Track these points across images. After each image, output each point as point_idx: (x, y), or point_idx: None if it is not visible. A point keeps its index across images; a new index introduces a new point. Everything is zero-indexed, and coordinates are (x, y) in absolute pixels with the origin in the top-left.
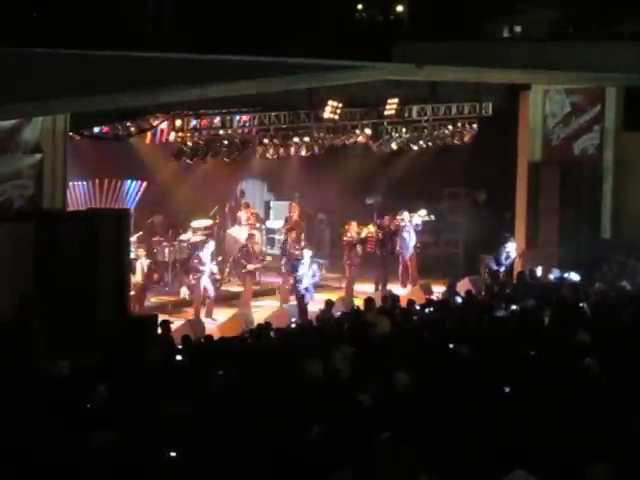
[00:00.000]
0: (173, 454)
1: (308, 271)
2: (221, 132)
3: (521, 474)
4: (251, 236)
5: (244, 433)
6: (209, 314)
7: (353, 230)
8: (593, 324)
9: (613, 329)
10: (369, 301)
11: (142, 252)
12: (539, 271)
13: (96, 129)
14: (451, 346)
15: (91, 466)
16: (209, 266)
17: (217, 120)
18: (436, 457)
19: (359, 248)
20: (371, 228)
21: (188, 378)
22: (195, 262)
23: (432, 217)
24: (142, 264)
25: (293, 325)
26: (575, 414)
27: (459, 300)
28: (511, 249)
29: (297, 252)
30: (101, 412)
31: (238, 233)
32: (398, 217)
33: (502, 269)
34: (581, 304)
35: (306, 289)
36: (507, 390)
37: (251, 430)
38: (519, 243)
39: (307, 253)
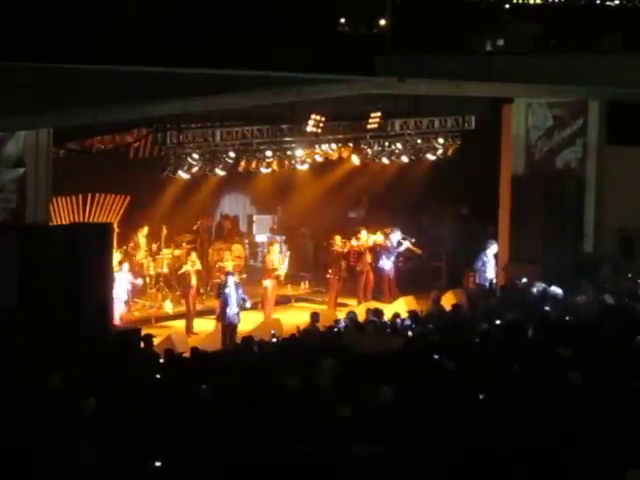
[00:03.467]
0: (158, 464)
1: (235, 295)
2: (203, 146)
3: None
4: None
5: (228, 445)
6: (189, 328)
7: (336, 244)
8: (576, 338)
9: (596, 343)
10: (351, 315)
11: (126, 266)
12: (522, 285)
13: (79, 143)
14: (436, 357)
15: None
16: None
17: (199, 134)
18: (421, 470)
19: (342, 262)
20: (353, 242)
21: (171, 392)
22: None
23: (407, 242)
24: (125, 278)
25: (274, 339)
26: (559, 427)
27: (443, 314)
28: (490, 256)
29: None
30: (88, 426)
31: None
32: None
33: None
34: (567, 317)
35: (237, 314)
36: (485, 399)
37: (234, 442)
38: (502, 257)
39: (231, 278)
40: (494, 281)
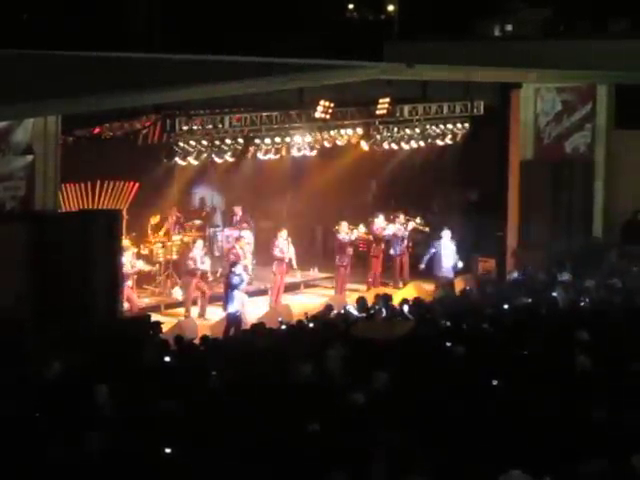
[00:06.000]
0: (168, 451)
1: (241, 284)
2: (212, 133)
3: (517, 474)
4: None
5: (239, 431)
6: (202, 314)
7: (344, 230)
8: (586, 322)
9: (605, 327)
10: (361, 301)
11: (133, 253)
12: (531, 270)
13: (88, 130)
14: (448, 344)
15: (85, 467)
16: (201, 266)
17: (208, 121)
18: (431, 456)
19: (350, 248)
20: (361, 229)
21: (181, 378)
22: (188, 262)
23: (411, 223)
24: (133, 265)
25: (284, 327)
26: (569, 412)
27: (452, 299)
28: (444, 245)
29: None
30: (97, 413)
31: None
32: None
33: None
34: (576, 302)
35: (241, 305)
36: (496, 385)
37: (246, 429)
38: (511, 242)
39: (239, 267)
40: (458, 267)
